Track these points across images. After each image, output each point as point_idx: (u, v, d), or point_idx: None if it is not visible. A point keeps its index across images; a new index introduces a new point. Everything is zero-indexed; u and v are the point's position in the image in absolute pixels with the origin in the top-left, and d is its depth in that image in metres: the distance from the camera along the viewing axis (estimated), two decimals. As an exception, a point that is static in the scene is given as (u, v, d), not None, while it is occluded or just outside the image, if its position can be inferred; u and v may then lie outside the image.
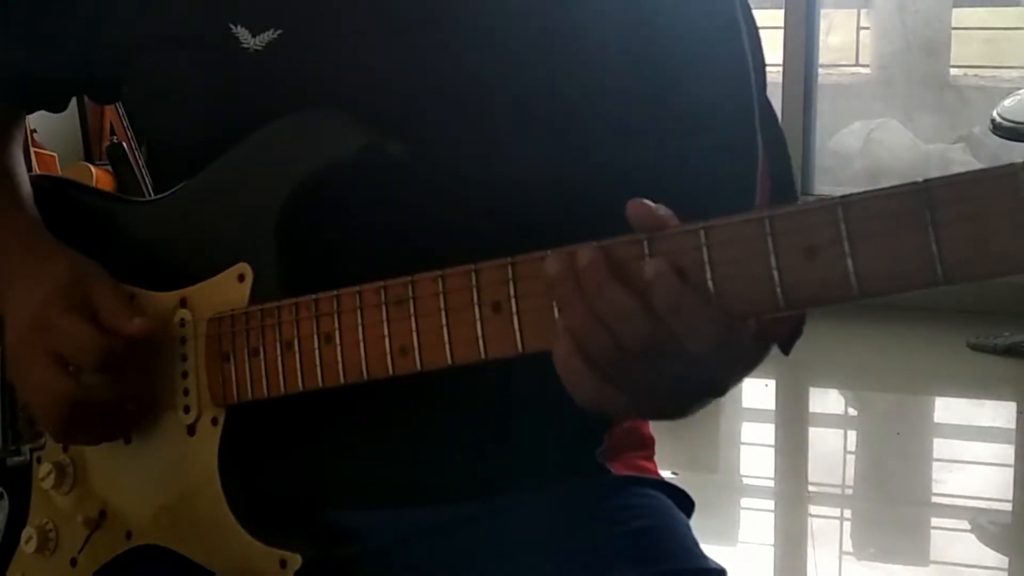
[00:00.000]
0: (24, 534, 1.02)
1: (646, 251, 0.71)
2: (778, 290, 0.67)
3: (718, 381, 0.76)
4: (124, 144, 3.70)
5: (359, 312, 0.82)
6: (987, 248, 0.61)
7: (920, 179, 0.62)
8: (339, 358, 0.83)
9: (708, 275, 0.69)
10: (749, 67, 0.92)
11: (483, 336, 0.77)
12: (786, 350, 0.94)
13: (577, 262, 0.71)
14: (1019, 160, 0.61)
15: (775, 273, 0.67)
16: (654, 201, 0.72)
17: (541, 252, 0.75)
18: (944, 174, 0.62)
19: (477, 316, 0.77)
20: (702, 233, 0.69)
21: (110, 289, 0.94)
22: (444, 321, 0.78)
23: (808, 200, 0.67)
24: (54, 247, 0.99)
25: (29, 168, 1.09)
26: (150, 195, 1.02)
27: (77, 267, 0.96)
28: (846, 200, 0.65)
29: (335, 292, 0.84)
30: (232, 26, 0.92)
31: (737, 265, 0.68)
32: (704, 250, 0.69)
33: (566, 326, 0.73)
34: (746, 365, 0.78)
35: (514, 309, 0.76)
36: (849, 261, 0.65)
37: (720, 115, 0.91)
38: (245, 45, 0.92)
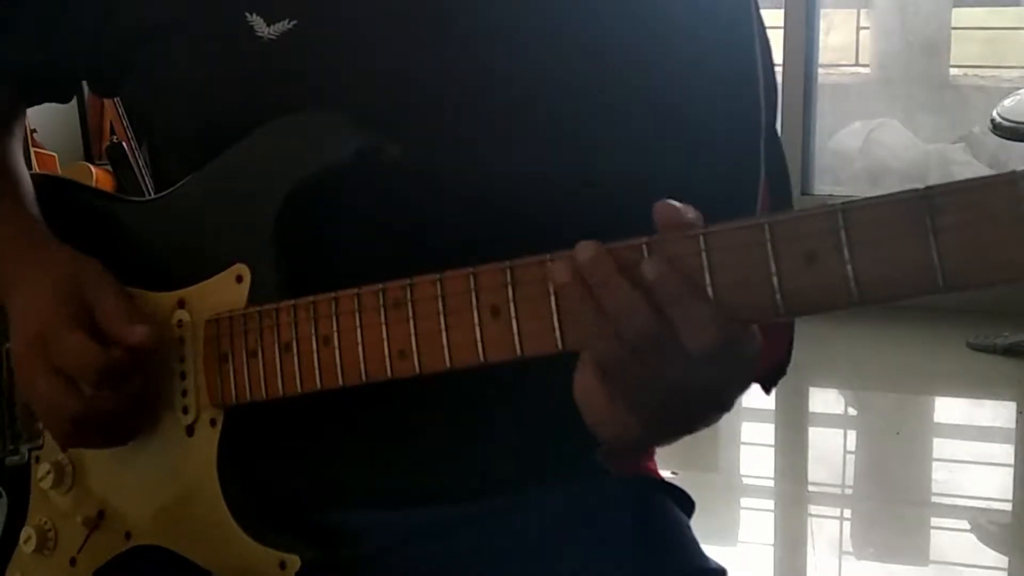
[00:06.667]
0: (23, 534, 1.02)
1: (645, 254, 0.70)
2: (777, 296, 0.67)
3: (722, 391, 0.75)
4: (124, 144, 3.69)
5: (357, 315, 0.82)
6: (988, 256, 0.61)
7: (920, 186, 0.61)
8: (337, 361, 0.83)
9: (707, 280, 0.69)
10: (760, 85, 0.92)
11: (482, 340, 0.76)
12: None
13: (578, 257, 0.71)
14: (1019, 164, 0.61)
15: (775, 279, 0.66)
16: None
17: (540, 256, 0.74)
18: (944, 173, 0.62)
19: (476, 320, 0.77)
20: (701, 238, 0.69)
21: (111, 294, 0.92)
22: (443, 325, 0.78)
23: (807, 200, 0.67)
24: (54, 247, 0.98)
25: (29, 168, 1.09)
26: (150, 195, 1.01)
27: (77, 270, 0.94)
28: (847, 206, 0.65)
29: (333, 294, 0.83)
30: (247, 14, 0.92)
31: (736, 271, 0.68)
32: (703, 255, 0.69)
33: (582, 346, 0.72)
34: (748, 378, 0.78)
35: (513, 313, 0.75)
36: (849, 267, 0.64)
37: (725, 132, 0.91)
38: (260, 34, 0.92)
